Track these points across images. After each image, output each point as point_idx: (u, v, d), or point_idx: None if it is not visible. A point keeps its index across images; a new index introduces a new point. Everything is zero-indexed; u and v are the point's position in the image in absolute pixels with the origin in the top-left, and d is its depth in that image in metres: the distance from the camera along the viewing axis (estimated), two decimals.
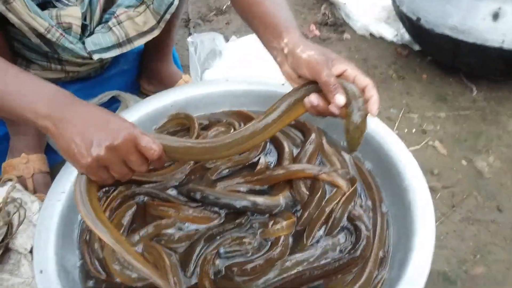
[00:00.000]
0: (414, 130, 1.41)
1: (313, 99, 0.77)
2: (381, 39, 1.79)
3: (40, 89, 0.72)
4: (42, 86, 0.73)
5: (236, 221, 0.87)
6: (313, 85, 0.79)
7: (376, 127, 1.00)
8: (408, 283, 0.74)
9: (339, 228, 0.86)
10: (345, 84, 0.76)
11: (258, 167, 0.97)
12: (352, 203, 0.89)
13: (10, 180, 1.12)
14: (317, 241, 0.84)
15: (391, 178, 0.93)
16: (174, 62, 1.49)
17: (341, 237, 0.86)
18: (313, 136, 1.01)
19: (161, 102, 1.11)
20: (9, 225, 0.99)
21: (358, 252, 0.80)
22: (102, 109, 0.74)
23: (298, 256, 0.81)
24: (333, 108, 0.75)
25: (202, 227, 0.88)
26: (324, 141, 1.03)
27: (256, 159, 1.00)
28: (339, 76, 0.77)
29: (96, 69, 1.26)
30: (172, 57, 1.45)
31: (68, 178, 0.91)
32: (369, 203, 0.92)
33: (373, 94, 0.76)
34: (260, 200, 0.88)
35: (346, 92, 0.75)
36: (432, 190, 0.85)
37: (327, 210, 0.87)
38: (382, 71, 1.65)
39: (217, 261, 0.82)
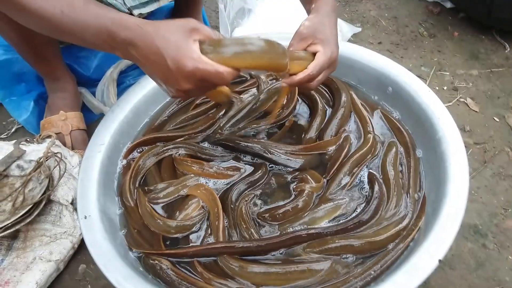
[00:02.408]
0: (445, 88, 1.39)
1: None
2: None
3: (112, 14, 0.67)
4: (111, 11, 0.67)
5: (258, 173, 0.90)
6: None
7: (408, 80, 1.00)
8: (441, 228, 0.75)
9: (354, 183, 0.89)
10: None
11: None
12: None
13: (49, 136, 1.16)
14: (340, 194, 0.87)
15: (424, 130, 0.93)
16: (204, 23, 1.49)
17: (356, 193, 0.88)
18: (344, 98, 1.01)
19: None
20: (50, 178, 1.04)
21: (367, 216, 0.82)
22: (172, 38, 0.65)
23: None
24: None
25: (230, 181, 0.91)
26: (355, 98, 1.03)
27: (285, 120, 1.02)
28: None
29: None
30: (201, 15, 1.45)
31: (107, 131, 0.95)
32: (401, 149, 0.93)
33: (306, 71, 0.77)
34: (282, 158, 0.92)
35: None
36: (464, 146, 0.85)
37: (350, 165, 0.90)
38: (413, 29, 1.62)
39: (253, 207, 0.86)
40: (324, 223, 0.83)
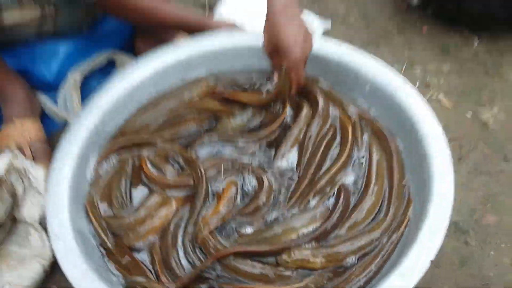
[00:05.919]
0: (417, 85, 1.39)
1: None
2: None
3: None
4: None
5: None
6: None
7: (385, 76, 0.99)
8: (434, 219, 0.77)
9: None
10: None
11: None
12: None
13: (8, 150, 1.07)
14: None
15: (404, 129, 0.92)
16: None
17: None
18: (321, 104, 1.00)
19: (163, 60, 1.04)
20: (14, 195, 0.96)
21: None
22: None
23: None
24: None
25: None
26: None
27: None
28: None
29: (87, 22, 1.22)
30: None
31: (74, 140, 0.89)
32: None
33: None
34: None
35: None
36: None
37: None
38: (382, 25, 1.61)
39: None
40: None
